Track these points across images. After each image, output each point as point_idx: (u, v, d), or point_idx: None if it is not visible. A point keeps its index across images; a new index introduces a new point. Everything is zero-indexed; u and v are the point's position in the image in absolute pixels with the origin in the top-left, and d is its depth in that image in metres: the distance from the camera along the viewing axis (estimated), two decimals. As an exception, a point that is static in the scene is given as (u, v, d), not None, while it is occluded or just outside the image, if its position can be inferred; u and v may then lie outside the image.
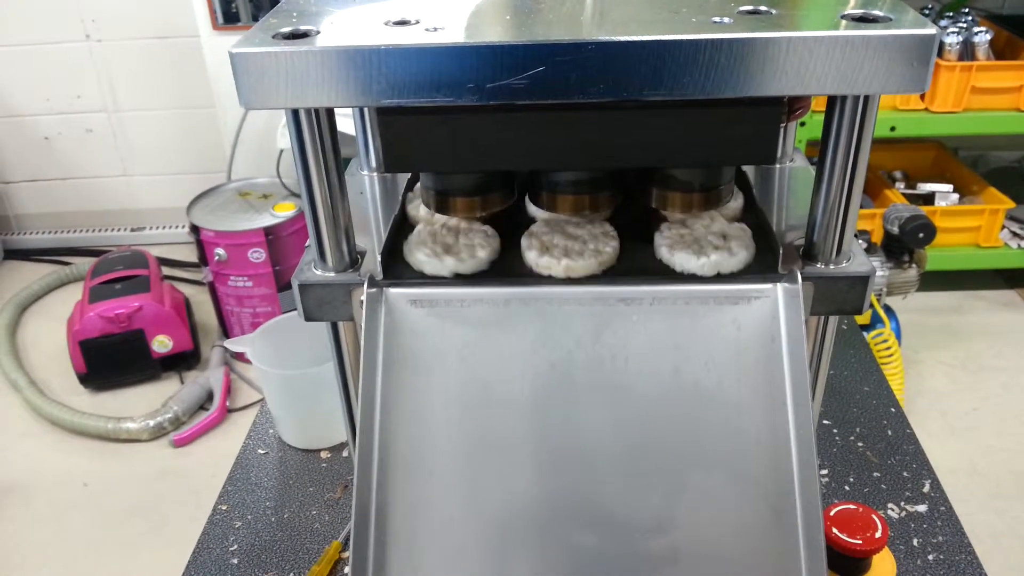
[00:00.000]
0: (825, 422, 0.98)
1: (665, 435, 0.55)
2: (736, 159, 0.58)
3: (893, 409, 1.00)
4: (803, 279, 0.55)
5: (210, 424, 1.96)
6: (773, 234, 0.60)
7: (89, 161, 2.67)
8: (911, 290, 1.43)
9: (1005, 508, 1.68)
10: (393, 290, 0.57)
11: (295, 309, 0.60)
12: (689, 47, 0.46)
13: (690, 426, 0.55)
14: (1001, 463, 1.79)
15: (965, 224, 2.21)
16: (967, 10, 2.18)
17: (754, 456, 0.55)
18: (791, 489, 0.54)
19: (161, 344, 2.07)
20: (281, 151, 2.12)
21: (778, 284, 0.56)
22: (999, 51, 2.17)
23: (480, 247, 0.59)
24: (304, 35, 0.48)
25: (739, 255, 0.57)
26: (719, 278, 0.57)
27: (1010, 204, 2.20)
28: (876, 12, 0.48)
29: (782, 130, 0.70)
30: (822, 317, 0.60)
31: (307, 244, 0.59)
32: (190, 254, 2.39)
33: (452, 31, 0.48)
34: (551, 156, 0.53)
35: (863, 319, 1.65)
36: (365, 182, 0.73)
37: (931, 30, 0.45)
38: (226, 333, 2.17)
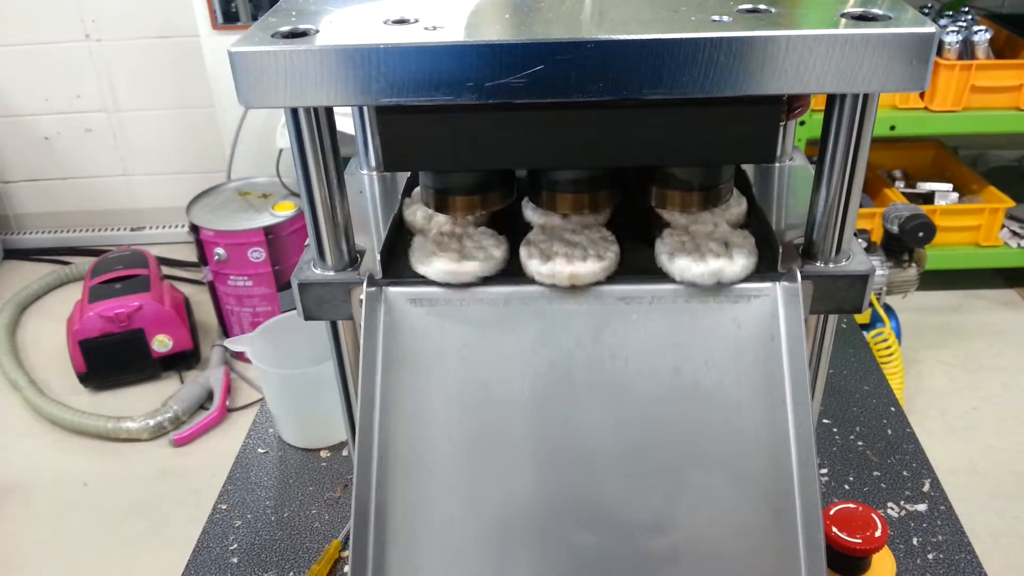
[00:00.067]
0: (825, 421, 0.98)
1: (665, 434, 0.55)
2: (735, 158, 0.58)
3: (893, 408, 1.00)
4: (802, 278, 0.55)
5: (210, 423, 1.96)
6: (773, 233, 0.60)
7: (89, 161, 2.67)
8: (911, 289, 1.43)
9: (1005, 508, 1.68)
10: (392, 289, 0.57)
11: (295, 308, 0.60)
12: (688, 46, 0.46)
13: (690, 425, 0.55)
14: (1001, 463, 1.79)
15: (965, 223, 2.21)
16: (967, 9, 2.18)
17: (754, 455, 0.55)
18: (790, 488, 0.54)
19: (161, 343, 2.07)
20: (281, 150, 2.12)
21: (778, 283, 0.56)
22: (999, 50, 2.17)
23: (494, 247, 0.59)
24: (303, 34, 0.48)
25: (740, 263, 0.56)
26: (719, 278, 0.57)
27: (1010, 203, 2.20)
28: (875, 10, 0.48)
29: (781, 129, 0.70)
30: (822, 316, 0.60)
31: (306, 243, 0.59)
32: (190, 254, 2.39)
33: (451, 30, 0.48)
34: (550, 155, 0.53)
35: (863, 318, 1.65)
36: (364, 181, 0.73)
37: (930, 29, 0.45)
38: (226, 332, 2.17)
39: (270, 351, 0.97)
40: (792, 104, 0.64)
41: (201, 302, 2.33)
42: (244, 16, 2.06)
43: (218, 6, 2.05)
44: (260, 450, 0.99)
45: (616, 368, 0.56)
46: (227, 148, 2.24)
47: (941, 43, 2.04)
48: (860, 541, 0.64)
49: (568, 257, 0.57)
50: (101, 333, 2.01)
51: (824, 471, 0.91)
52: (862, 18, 0.47)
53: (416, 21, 0.50)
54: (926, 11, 2.19)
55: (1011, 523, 1.65)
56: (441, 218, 0.63)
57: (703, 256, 0.56)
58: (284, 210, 2.03)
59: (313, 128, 0.52)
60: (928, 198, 2.28)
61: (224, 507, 0.90)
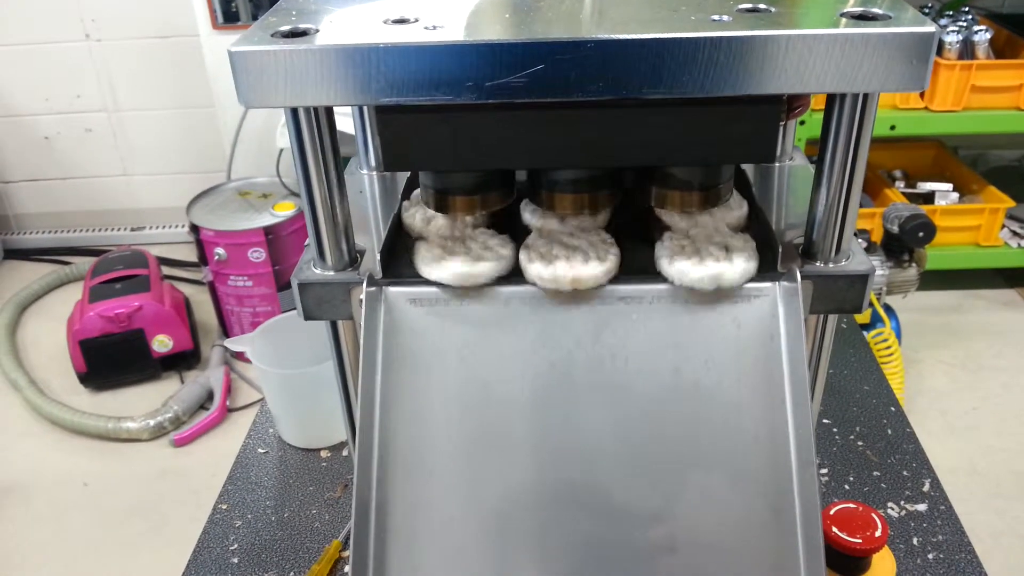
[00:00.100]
0: (825, 421, 0.98)
1: (665, 434, 0.55)
2: (735, 158, 0.58)
3: (893, 408, 1.00)
4: (802, 278, 0.55)
5: (210, 423, 1.96)
6: (772, 232, 0.60)
7: (89, 161, 2.67)
8: (911, 289, 1.43)
9: (1005, 508, 1.68)
10: (392, 289, 0.57)
11: (295, 308, 0.60)
12: (688, 45, 0.46)
13: (690, 425, 0.55)
14: (1001, 462, 1.79)
15: (965, 223, 2.21)
16: (967, 9, 2.18)
17: (753, 455, 0.55)
18: (790, 488, 0.54)
19: (161, 344, 2.07)
20: (281, 150, 2.12)
21: (777, 283, 0.56)
22: (999, 50, 2.17)
23: (500, 247, 0.59)
24: (303, 33, 0.48)
25: (739, 268, 0.55)
26: (719, 277, 0.57)
27: (1010, 203, 2.20)
28: (875, 10, 0.48)
29: (781, 128, 0.70)
30: (821, 316, 0.60)
31: (306, 243, 0.59)
32: (190, 254, 2.39)
33: (451, 29, 0.48)
34: (550, 155, 0.53)
35: (863, 318, 1.65)
36: (364, 181, 0.73)
37: (930, 28, 0.45)
38: (226, 332, 2.17)
39: (270, 351, 0.97)
40: (792, 104, 0.64)
41: (201, 302, 2.33)
42: (244, 16, 2.06)
43: (218, 6, 2.05)
44: (260, 450, 0.99)
45: (616, 368, 0.56)
46: (227, 148, 2.24)
47: (941, 43, 2.04)
48: (860, 541, 0.64)
49: (569, 260, 0.56)
50: (101, 333, 2.01)
51: (824, 471, 0.91)
52: (862, 18, 0.47)
53: (416, 21, 0.50)
54: (926, 11, 2.19)
55: (1011, 523, 1.65)
56: (439, 221, 0.62)
57: (702, 260, 0.56)
58: (284, 210, 2.03)
59: (313, 128, 0.52)
60: (928, 198, 2.28)
61: (224, 507, 0.90)
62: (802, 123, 2.02)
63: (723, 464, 0.55)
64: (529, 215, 0.63)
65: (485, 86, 0.47)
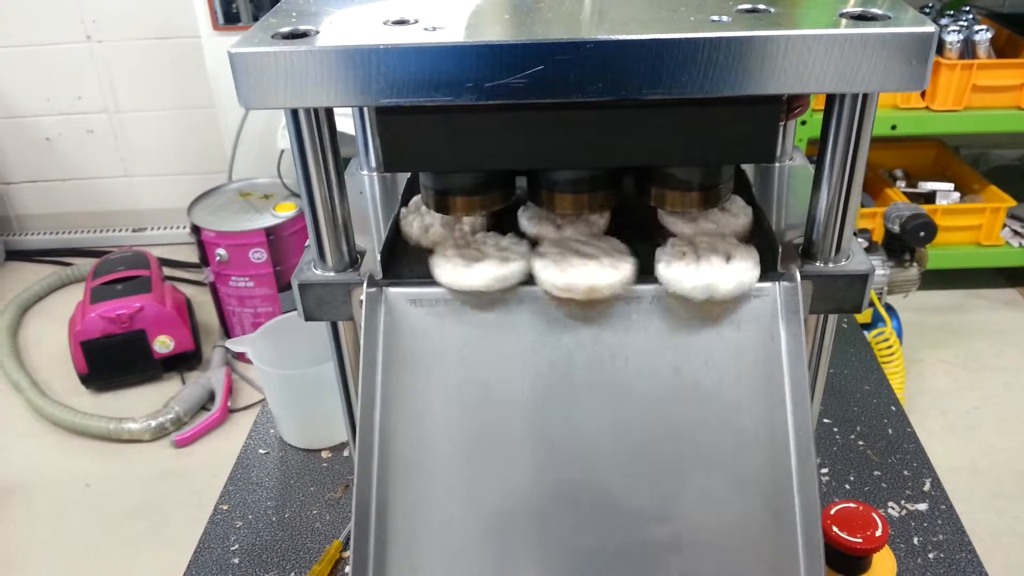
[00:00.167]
0: (826, 421, 0.98)
1: (665, 434, 0.56)
2: (735, 158, 0.58)
3: (894, 408, 1.00)
4: (802, 277, 0.55)
5: (211, 424, 1.96)
6: (772, 232, 0.60)
7: (90, 162, 2.68)
8: (912, 289, 1.43)
9: (1006, 507, 1.68)
10: (392, 289, 0.58)
11: (295, 309, 0.60)
12: (688, 46, 0.46)
13: (690, 425, 0.55)
14: (1002, 462, 1.79)
15: (966, 223, 2.21)
16: (968, 8, 2.18)
17: (753, 455, 0.55)
18: (789, 488, 0.54)
19: (162, 344, 2.07)
20: (282, 151, 2.12)
21: (777, 283, 0.56)
22: (1000, 49, 2.17)
23: (516, 246, 0.58)
24: (303, 35, 0.49)
25: (736, 279, 0.55)
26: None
27: (1011, 202, 2.19)
28: (875, 10, 0.48)
29: (781, 128, 0.70)
30: (821, 315, 0.60)
31: (307, 244, 0.59)
32: (191, 255, 2.39)
33: (451, 30, 0.48)
34: (550, 155, 0.53)
35: (864, 318, 1.65)
36: (365, 182, 0.73)
37: (930, 28, 0.45)
38: (227, 333, 2.17)
39: (271, 352, 0.97)
40: (792, 104, 0.64)
41: (202, 303, 2.33)
42: (245, 17, 2.07)
43: (219, 7, 2.05)
44: (261, 451, 0.99)
45: (616, 368, 0.56)
46: (228, 149, 2.24)
47: (942, 42, 2.04)
48: (861, 540, 0.64)
49: (585, 269, 0.56)
50: (103, 334, 2.01)
51: (825, 471, 0.91)
52: (862, 18, 0.47)
53: (416, 21, 0.50)
54: (927, 11, 2.19)
55: (1012, 522, 1.65)
56: (437, 229, 0.62)
57: (699, 269, 0.55)
58: (285, 211, 2.04)
59: (313, 129, 0.52)
60: (929, 198, 2.28)
61: (225, 508, 0.90)
62: (802, 123, 2.02)
63: (723, 464, 0.55)
64: (526, 221, 0.63)
65: (485, 87, 0.47)
